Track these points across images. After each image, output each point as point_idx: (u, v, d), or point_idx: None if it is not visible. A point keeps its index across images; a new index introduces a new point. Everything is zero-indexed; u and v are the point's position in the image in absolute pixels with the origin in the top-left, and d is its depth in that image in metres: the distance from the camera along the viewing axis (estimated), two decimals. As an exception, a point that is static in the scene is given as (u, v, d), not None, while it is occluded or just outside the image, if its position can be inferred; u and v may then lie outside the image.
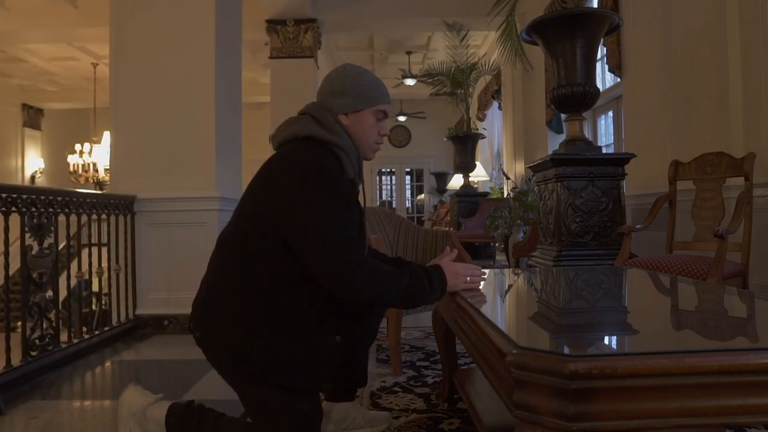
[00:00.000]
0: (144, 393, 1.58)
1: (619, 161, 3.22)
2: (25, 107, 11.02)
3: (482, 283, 1.58)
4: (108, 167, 6.48)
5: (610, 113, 5.03)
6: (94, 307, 3.55)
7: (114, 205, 3.33)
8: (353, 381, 1.76)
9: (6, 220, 2.41)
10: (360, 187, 1.58)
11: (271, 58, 7.25)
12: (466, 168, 7.84)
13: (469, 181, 7.93)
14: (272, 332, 1.36)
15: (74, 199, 2.92)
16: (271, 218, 1.37)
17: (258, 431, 1.38)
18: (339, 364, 1.49)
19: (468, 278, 1.50)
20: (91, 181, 9.62)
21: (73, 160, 9.62)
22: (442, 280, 1.45)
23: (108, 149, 5.37)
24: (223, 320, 1.38)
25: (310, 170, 1.36)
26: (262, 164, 1.49)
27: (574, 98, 3.17)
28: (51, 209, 2.69)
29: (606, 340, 1.13)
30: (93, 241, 3.16)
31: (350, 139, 1.48)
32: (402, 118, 12.42)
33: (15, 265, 3.35)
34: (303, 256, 1.35)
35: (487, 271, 1.85)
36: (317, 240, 1.32)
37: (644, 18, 3.90)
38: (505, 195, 7.66)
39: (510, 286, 1.87)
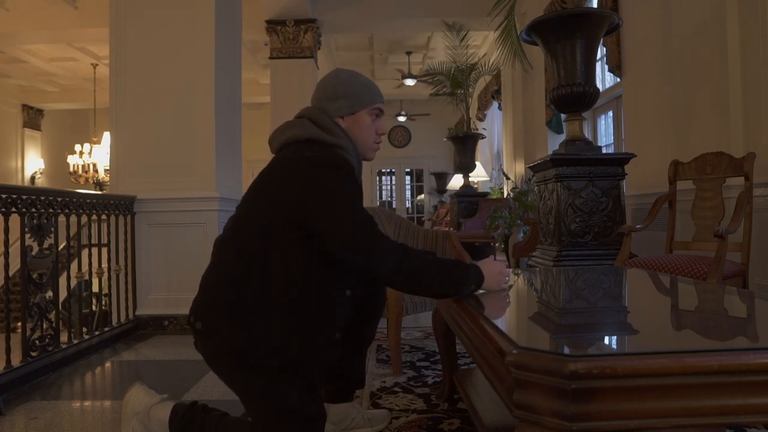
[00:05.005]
0: (149, 392, 1.57)
1: (619, 161, 3.22)
2: (25, 108, 11.01)
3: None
4: (108, 168, 6.48)
5: (610, 113, 5.02)
6: (94, 307, 3.55)
7: (114, 206, 3.33)
8: (352, 382, 1.76)
9: (6, 221, 2.41)
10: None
11: (271, 58, 7.25)
12: (466, 168, 7.84)
13: (469, 182, 7.92)
14: (277, 316, 1.34)
15: (74, 200, 2.92)
16: (288, 213, 1.35)
17: (261, 430, 1.38)
18: (334, 362, 1.49)
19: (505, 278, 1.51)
20: (91, 181, 9.61)
21: (73, 160, 9.61)
22: (479, 275, 1.43)
23: (108, 150, 5.37)
24: (231, 312, 1.35)
25: (324, 164, 1.37)
26: (265, 167, 1.48)
27: (574, 98, 3.17)
28: (51, 210, 2.69)
29: (606, 340, 1.13)
30: (93, 242, 3.16)
31: (350, 141, 1.50)
32: (402, 119, 12.42)
33: (15, 265, 3.36)
34: (331, 247, 1.34)
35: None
36: (343, 227, 1.33)
37: (644, 18, 3.90)
38: (505, 195, 7.65)
39: (510, 286, 1.86)
